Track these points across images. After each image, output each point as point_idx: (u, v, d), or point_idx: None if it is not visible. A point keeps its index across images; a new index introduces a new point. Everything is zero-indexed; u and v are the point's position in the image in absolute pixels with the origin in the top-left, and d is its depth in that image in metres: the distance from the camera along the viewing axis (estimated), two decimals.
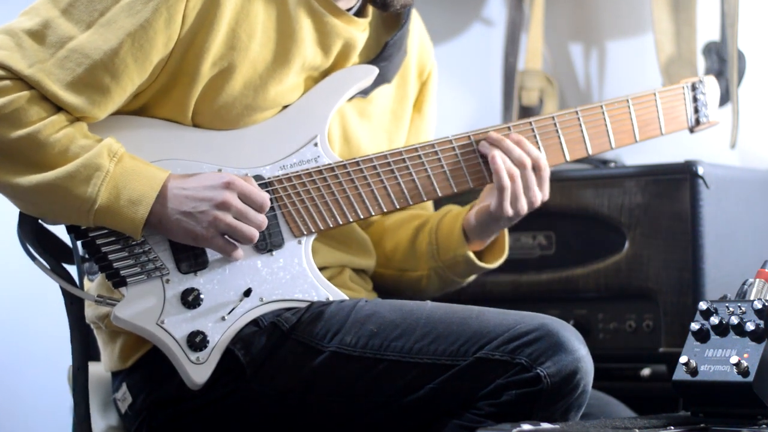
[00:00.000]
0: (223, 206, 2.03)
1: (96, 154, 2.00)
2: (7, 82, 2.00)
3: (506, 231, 2.33)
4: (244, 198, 2.05)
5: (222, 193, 2.03)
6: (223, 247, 2.06)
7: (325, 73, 2.20)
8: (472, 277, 2.37)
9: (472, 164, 2.23)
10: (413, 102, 2.39)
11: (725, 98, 2.94)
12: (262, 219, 2.06)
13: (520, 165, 2.20)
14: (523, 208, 2.22)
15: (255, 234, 2.06)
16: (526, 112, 3.24)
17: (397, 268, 2.37)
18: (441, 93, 3.33)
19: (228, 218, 2.03)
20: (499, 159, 2.19)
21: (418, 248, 2.34)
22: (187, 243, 2.06)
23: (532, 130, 2.25)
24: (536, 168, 2.21)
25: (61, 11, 2.03)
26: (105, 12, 2.02)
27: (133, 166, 2.02)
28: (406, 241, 2.35)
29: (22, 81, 2.01)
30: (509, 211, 2.22)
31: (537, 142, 2.25)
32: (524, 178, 2.20)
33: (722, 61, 2.98)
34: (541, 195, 2.23)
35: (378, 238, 2.37)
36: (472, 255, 2.30)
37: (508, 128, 2.24)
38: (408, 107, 2.37)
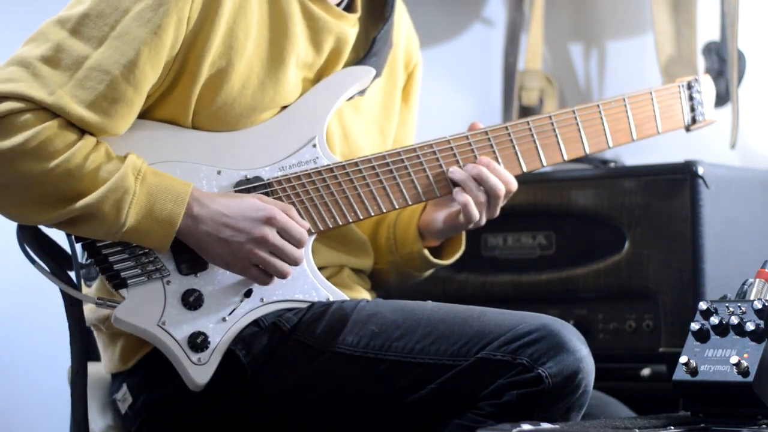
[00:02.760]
0: (261, 241, 2.03)
1: (122, 176, 1.98)
2: (28, 116, 1.97)
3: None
4: (283, 233, 2.04)
5: (261, 229, 2.03)
6: (255, 277, 2.06)
7: (320, 72, 2.20)
8: (430, 272, 2.38)
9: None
10: (400, 93, 2.39)
11: (725, 98, 2.95)
12: (299, 255, 2.06)
13: (493, 195, 2.20)
14: (483, 222, 2.23)
15: (288, 271, 2.06)
16: (526, 112, 3.24)
17: None
18: (441, 93, 3.34)
19: (263, 253, 2.04)
20: (463, 194, 2.19)
21: (378, 242, 2.35)
22: (219, 266, 2.06)
23: (530, 129, 2.26)
24: (507, 192, 2.22)
25: (69, 32, 2.01)
26: (115, 25, 2.00)
27: (157, 182, 2.01)
28: (368, 235, 2.36)
29: (44, 111, 1.98)
30: (470, 226, 2.23)
31: (534, 142, 2.25)
32: (492, 205, 2.21)
33: (722, 61, 2.99)
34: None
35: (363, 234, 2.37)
36: (427, 252, 2.31)
37: (506, 128, 2.25)
38: (397, 99, 2.37)
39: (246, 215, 2.04)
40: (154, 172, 2.03)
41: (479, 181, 2.19)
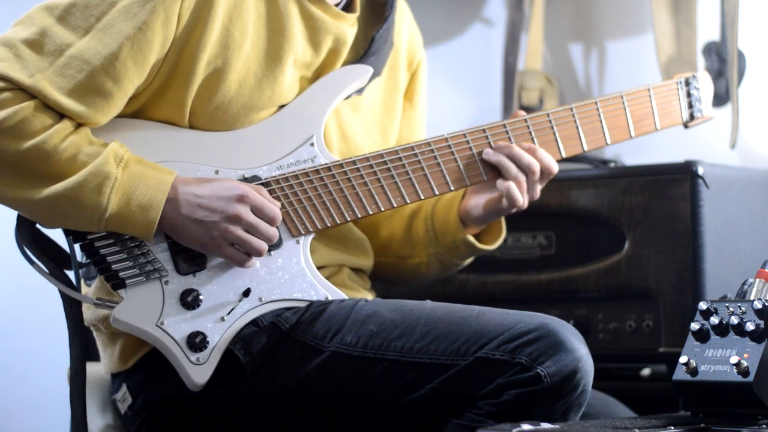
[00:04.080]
0: (234, 219, 2.03)
1: (103, 161, 2.00)
2: (7, 94, 1.99)
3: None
4: (257, 211, 2.05)
5: (234, 206, 2.03)
6: (232, 257, 2.06)
7: (317, 71, 2.20)
8: (471, 259, 2.38)
9: (469, 162, 2.23)
10: (404, 92, 2.39)
11: (725, 98, 2.94)
12: (273, 233, 2.06)
13: (529, 172, 2.21)
14: (524, 205, 2.24)
15: (264, 247, 2.06)
16: (526, 112, 3.23)
17: (395, 256, 2.38)
18: (441, 93, 3.33)
19: (238, 231, 2.04)
20: (504, 181, 2.20)
21: (415, 235, 2.35)
22: (196, 249, 2.06)
23: (527, 127, 2.26)
24: (544, 174, 2.23)
25: (56, 19, 2.02)
26: (102, 17, 2.02)
27: (140, 170, 2.02)
28: (402, 230, 2.36)
29: (23, 91, 2.00)
30: (510, 209, 2.24)
31: (532, 139, 2.26)
32: (530, 183, 2.22)
33: (722, 61, 2.98)
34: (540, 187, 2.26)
35: (372, 228, 2.37)
36: (472, 239, 2.31)
37: (503, 126, 2.25)
38: (399, 98, 2.37)
39: (219, 195, 2.04)
40: (138, 160, 2.03)
41: (513, 159, 2.20)
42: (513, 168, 2.21)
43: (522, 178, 2.22)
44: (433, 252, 2.34)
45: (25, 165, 1.99)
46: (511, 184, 2.20)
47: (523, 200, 2.22)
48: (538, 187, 2.25)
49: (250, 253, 2.06)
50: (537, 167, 2.22)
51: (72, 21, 2.02)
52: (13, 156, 1.99)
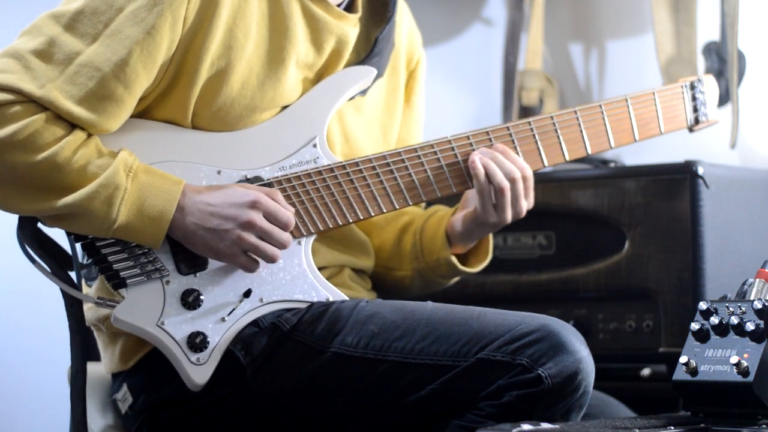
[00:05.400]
0: (248, 226, 2.03)
1: (113, 172, 1.99)
2: (18, 108, 1.98)
3: (491, 235, 2.33)
4: (270, 217, 2.05)
5: (247, 213, 2.03)
6: (245, 265, 2.06)
7: (320, 72, 2.20)
8: (455, 279, 2.38)
9: None
10: (403, 93, 2.39)
11: (725, 98, 2.95)
12: (287, 238, 2.06)
13: (510, 179, 2.19)
14: (509, 218, 2.21)
15: (278, 254, 2.06)
16: (526, 112, 3.24)
17: (383, 266, 2.37)
18: (441, 93, 3.33)
19: (252, 238, 2.04)
20: (483, 175, 2.18)
21: (403, 249, 2.35)
22: (209, 257, 2.06)
23: (531, 130, 2.26)
24: (524, 178, 2.21)
25: (64, 27, 2.02)
26: (109, 23, 2.01)
27: (149, 180, 2.02)
28: (391, 241, 2.35)
29: (34, 103, 1.99)
30: (495, 219, 2.21)
31: (536, 142, 2.25)
32: (513, 191, 2.20)
33: (722, 61, 2.99)
34: (527, 204, 2.23)
35: (365, 235, 2.37)
36: (454, 259, 2.30)
37: (507, 128, 2.25)
38: (399, 98, 2.37)
39: (231, 202, 2.04)
40: (146, 169, 2.03)
41: (497, 164, 2.18)
42: (497, 173, 2.19)
43: (506, 184, 2.18)
44: (416, 267, 2.34)
45: (37, 177, 1.99)
46: (476, 159, 2.17)
47: (501, 211, 2.19)
48: (523, 201, 2.20)
49: (264, 260, 2.06)
50: (517, 173, 2.18)
51: (80, 28, 2.01)
52: (24, 169, 1.98)
